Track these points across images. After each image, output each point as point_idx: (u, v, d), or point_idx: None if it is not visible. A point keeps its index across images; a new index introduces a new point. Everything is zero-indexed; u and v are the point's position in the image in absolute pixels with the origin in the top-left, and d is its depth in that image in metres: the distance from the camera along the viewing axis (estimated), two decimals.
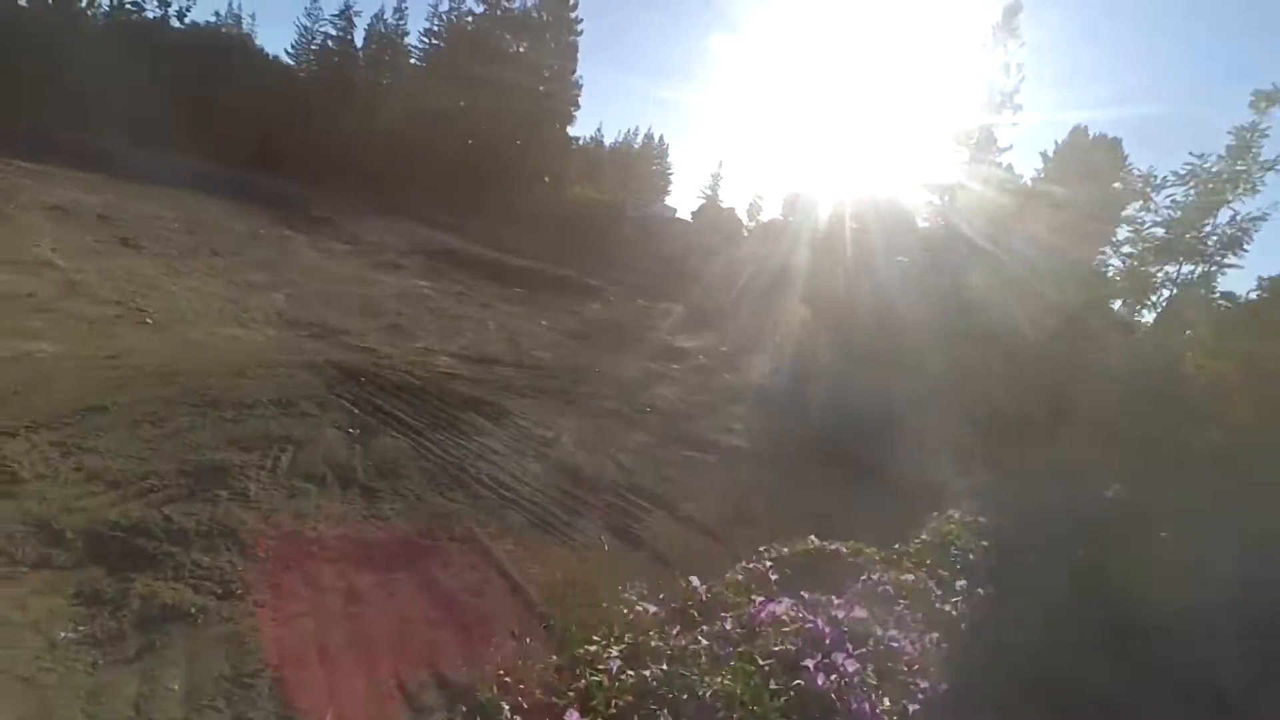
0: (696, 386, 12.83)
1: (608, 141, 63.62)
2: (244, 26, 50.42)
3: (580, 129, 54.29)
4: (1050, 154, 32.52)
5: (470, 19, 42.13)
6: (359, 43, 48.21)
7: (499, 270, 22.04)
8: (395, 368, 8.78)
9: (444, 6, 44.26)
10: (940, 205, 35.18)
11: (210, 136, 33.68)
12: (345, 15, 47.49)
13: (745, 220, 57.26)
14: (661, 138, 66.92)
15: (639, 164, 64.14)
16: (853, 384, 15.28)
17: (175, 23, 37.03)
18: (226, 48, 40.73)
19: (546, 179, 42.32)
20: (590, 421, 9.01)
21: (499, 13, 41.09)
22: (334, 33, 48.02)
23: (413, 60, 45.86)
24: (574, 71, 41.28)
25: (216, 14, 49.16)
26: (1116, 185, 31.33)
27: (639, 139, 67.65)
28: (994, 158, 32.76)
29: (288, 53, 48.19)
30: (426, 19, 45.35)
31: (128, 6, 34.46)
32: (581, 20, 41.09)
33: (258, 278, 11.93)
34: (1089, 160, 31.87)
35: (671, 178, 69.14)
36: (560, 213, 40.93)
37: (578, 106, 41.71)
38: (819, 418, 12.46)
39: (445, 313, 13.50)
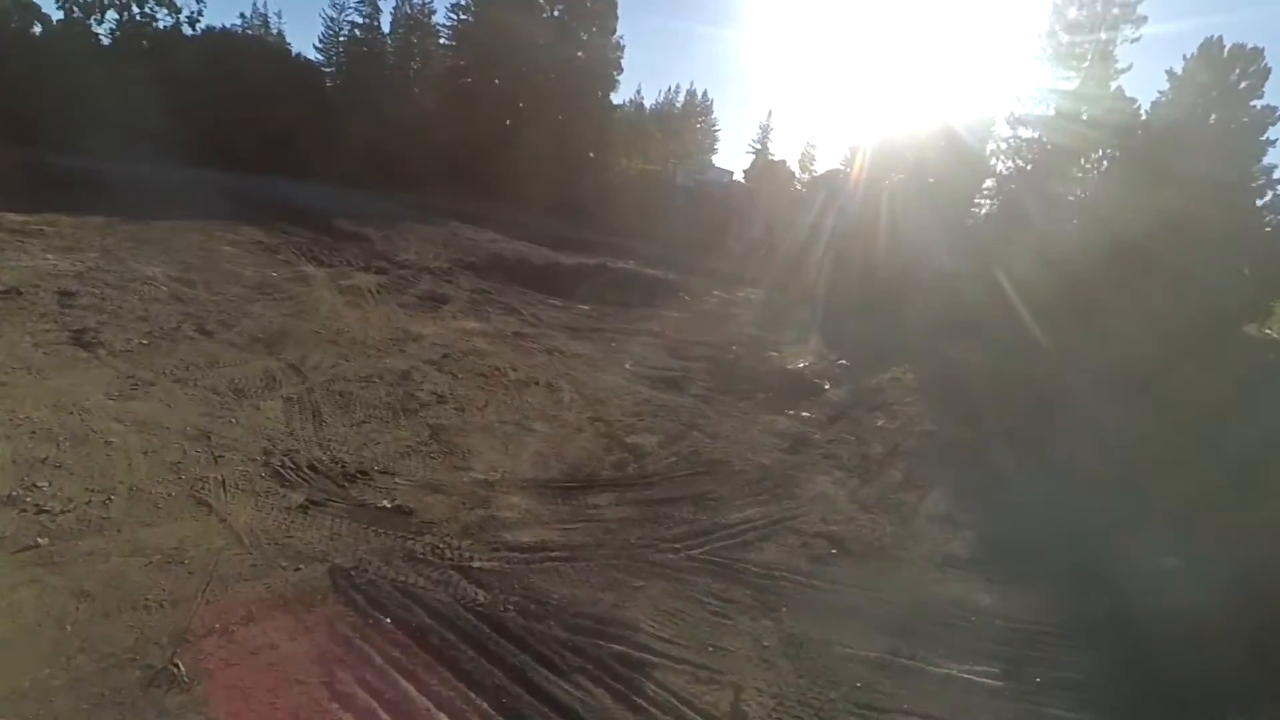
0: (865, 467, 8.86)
1: (648, 103, 58.36)
2: (271, 26, 46.99)
3: (621, 92, 49.37)
4: (1178, 71, 26.48)
5: None
6: (385, 28, 44.14)
7: (553, 278, 18.21)
8: (431, 573, 5.09)
9: None
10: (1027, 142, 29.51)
11: (235, 146, 30.49)
12: (369, 1, 43.35)
13: (798, 173, 51.84)
14: (705, 93, 61.30)
15: (683, 123, 58.80)
16: None
17: (187, 29, 33.48)
18: (246, 51, 37.19)
19: (591, 155, 37.96)
20: None
21: None
22: (360, 20, 44.02)
23: (442, 39, 41.54)
24: (614, 31, 36.36)
25: (242, 15, 45.74)
26: (1259, 103, 25.39)
27: (680, 97, 62.13)
28: (1111, 78, 26.90)
29: (316, 48, 44.55)
30: None
31: (137, 19, 31.02)
32: None
33: (249, 374, 8.36)
34: (1224, 76, 25.78)
35: (718, 134, 63.62)
36: (610, 191, 36.63)
37: (620, 70, 36.92)
38: None
39: (505, 378, 9.78)
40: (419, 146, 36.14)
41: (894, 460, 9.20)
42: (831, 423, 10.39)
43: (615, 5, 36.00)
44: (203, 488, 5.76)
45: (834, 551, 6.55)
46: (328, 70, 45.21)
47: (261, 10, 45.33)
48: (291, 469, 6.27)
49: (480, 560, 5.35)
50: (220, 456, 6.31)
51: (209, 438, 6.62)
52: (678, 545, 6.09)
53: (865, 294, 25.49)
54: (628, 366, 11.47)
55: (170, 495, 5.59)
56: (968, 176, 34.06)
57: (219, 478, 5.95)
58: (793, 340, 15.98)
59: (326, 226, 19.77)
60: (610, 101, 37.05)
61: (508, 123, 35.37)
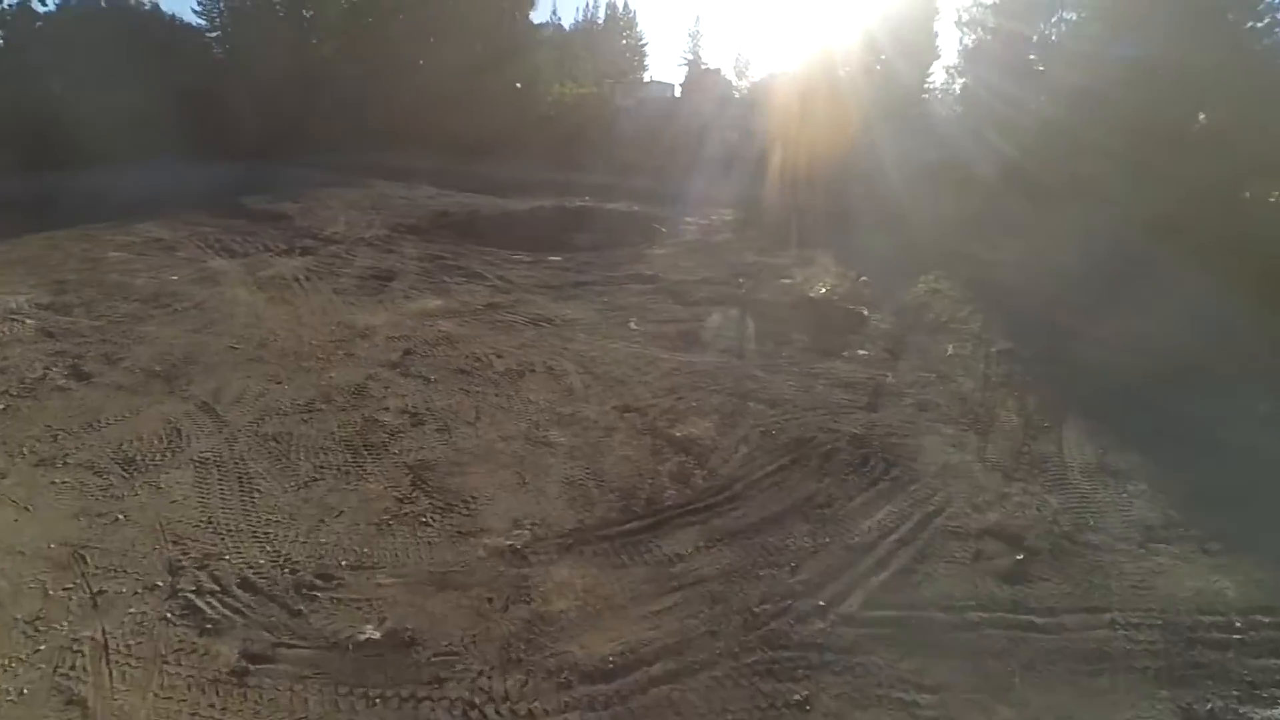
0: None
1: (567, 24, 53.50)
2: None
3: (538, 12, 44.30)
4: None
5: None
6: None
7: (510, 228, 15.54)
8: None
9: None
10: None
11: (108, 134, 26.07)
12: None
13: (735, 80, 48.59)
14: (626, 4, 56.53)
15: (608, 41, 54.27)
16: None
17: (38, 5, 28.05)
18: (111, 22, 31.63)
19: (519, 85, 34.08)
20: None
21: None
22: None
23: None
24: None
25: None
26: None
27: (600, 12, 57.27)
28: None
29: (194, 11, 38.73)
30: None
31: None
32: None
33: (143, 430, 5.85)
34: None
35: (646, 49, 59.15)
36: (544, 123, 33.06)
37: None
38: None
39: (491, 370, 7.41)
40: (323, 103, 31.86)
41: (996, 397, 7.24)
42: (896, 358, 8.35)
43: None
44: (71, 665, 3.41)
45: (1019, 557, 4.57)
46: (212, 35, 39.57)
47: None
48: (214, 594, 3.92)
49: None
50: (101, 592, 3.92)
51: (84, 558, 4.19)
52: (821, 603, 4.02)
53: (847, 200, 23.35)
54: (633, 326, 9.15)
55: (18, 690, 3.24)
56: (916, 57, 31.72)
57: (97, 637, 3.59)
58: (798, 261, 13.79)
59: (235, 208, 16.55)
60: (530, 22, 32.94)
61: (420, 62, 31.14)
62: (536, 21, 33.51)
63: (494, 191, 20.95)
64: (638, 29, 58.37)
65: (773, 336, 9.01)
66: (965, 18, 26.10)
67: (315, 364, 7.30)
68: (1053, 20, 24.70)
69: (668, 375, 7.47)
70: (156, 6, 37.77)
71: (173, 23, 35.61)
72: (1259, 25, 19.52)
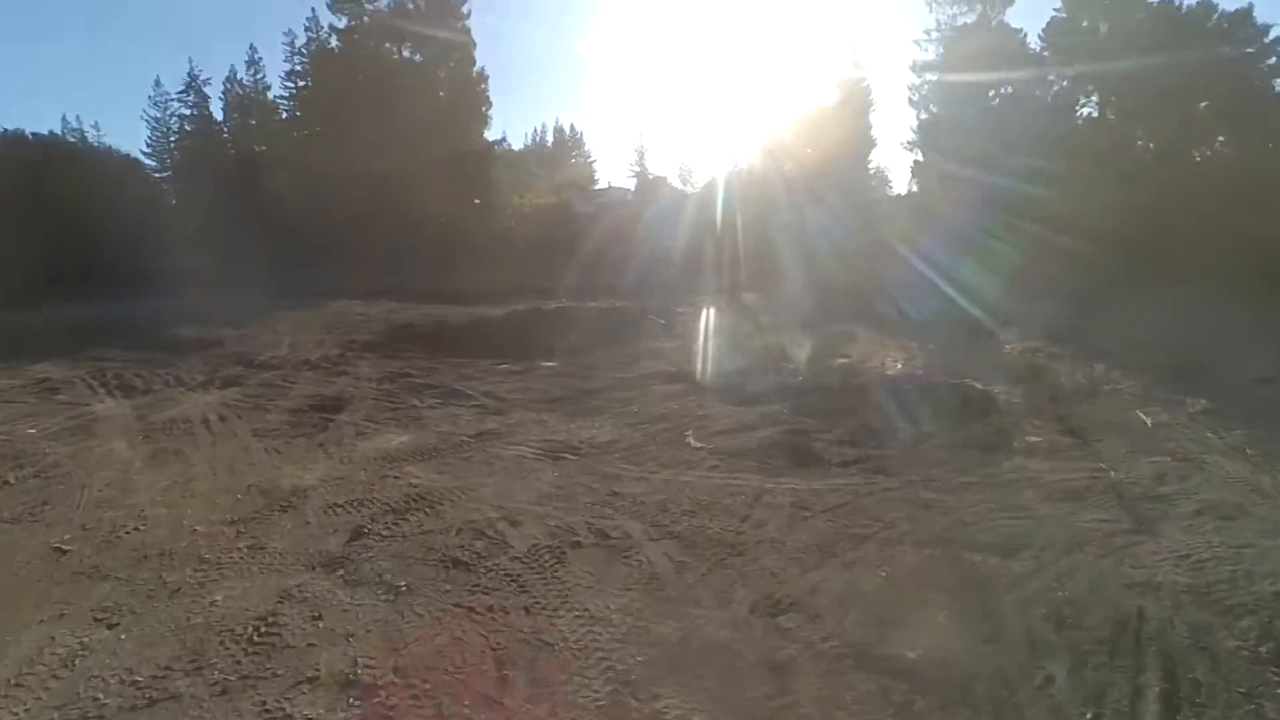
0: None
1: (517, 146, 53.17)
2: (89, 140, 37.59)
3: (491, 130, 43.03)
4: None
5: (334, 35, 31.27)
6: (220, 116, 36.85)
7: (487, 336, 12.66)
8: None
9: (301, 40, 33.21)
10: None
11: (53, 269, 22.73)
12: (193, 87, 36.02)
13: (680, 186, 48.29)
14: (573, 127, 57.07)
15: (559, 160, 54.06)
16: None
17: None
18: (51, 156, 28.79)
19: (477, 201, 32.27)
20: None
21: (366, 20, 30.26)
22: (187, 111, 36.49)
23: (282, 114, 34.74)
24: (474, 62, 31.00)
25: (64, 123, 36.55)
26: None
27: (549, 135, 57.54)
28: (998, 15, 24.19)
29: (144, 153, 36.50)
30: (285, 59, 34.12)
31: None
32: (466, 2, 30.67)
33: None
34: None
35: (595, 165, 59.25)
36: (507, 234, 31.07)
37: (489, 104, 31.50)
38: None
39: (507, 553, 4.14)
40: (274, 230, 29.25)
41: (1185, 431, 4.34)
42: (1087, 443, 5.45)
43: (470, 33, 30.68)
44: None
45: None
46: (162, 175, 37.27)
47: (75, 124, 36.32)
48: None
49: None
50: None
51: None
52: None
53: (827, 278, 21.42)
54: (693, 442, 6.09)
55: None
56: (854, 145, 31.45)
57: None
58: (831, 339, 11.12)
59: (161, 338, 13.24)
60: (486, 140, 31.50)
61: (375, 185, 29.04)
62: (490, 138, 32.02)
63: (461, 302, 18.15)
64: (585, 148, 58.74)
65: (890, 432, 6.03)
66: (915, 97, 25.58)
67: (192, 576, 3.93)
68: (992, 96, 24.26)
69: (794, 520, 4.35)
70: (108, 147, 35.39)
71: (116, 156, 33.09)
72: None
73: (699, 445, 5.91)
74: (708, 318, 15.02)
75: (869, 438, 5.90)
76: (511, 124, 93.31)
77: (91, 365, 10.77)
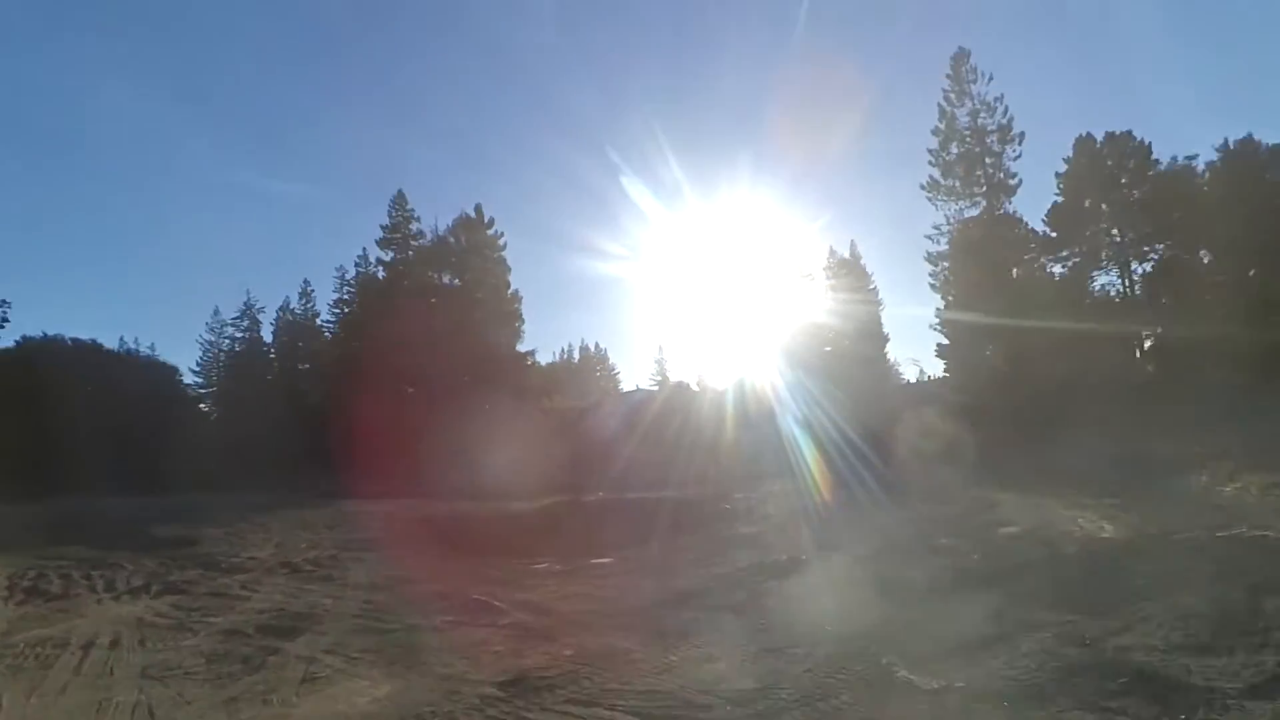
0: None
1: (544, 362, 53.90)
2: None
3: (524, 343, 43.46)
4: (1061, 171, 24.44)
5: (381, 267, 32.58)
6: (269, 339, 37.54)
7: (518, 532, 9.84)
8: None
9: (351, 273, 34.80)
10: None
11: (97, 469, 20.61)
12: (248, 314, 37.14)
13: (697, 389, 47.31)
14: (597, 344, 58.25)
15: (585, 374, 54.30)
16: None
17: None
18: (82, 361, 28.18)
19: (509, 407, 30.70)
20: None
21: (410, 254, 31.68)
22: (239, 334, 37.26)
23: (327, 334, 35.23)
24: (509, 285, 31.65)
25: (121, 341, 36.66)
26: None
27: (575, 353, 58.62)
28: (1005, 200, 24.64)
29: (193, 371, 36.57)
30: (334, 289, 35.42)
31: None
32: (502, 234, 32.32)
33: None
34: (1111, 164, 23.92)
35: (619, 379, 59.41)
36: (538, 437, 29.13)
37: (521, 320, 31.59)
38: None
39: None
40: (310, 440, 27.57)
41: None
42: None
43: (504, 261, 31.85)
44: None
45: None
46: (207, 390, 37.04)
47: (132, 346, 36.78)
48: None
49: None
50: None
51: None
52: None
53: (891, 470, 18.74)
54: (911, 678, 3.06)
55: None
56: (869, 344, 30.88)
57: None
58: (978, 505, 8.21)
59: (134, 536, 10.57)
60: (519, 350, 31.04)
61: (410, 390, 27.98)
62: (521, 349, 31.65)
63: (489, 499, 15.49)
64: (609, 363, 59.39)
65: (1172, 626, 3.02)
66: (936, 283, 24.97)
67: None
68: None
69: None
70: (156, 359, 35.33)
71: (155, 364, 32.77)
72: None
73: (928, 684, 2.94)
74: (774, 502, 12.12)
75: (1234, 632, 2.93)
76: (540, 341, 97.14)
77: (33, 561, 8.05)
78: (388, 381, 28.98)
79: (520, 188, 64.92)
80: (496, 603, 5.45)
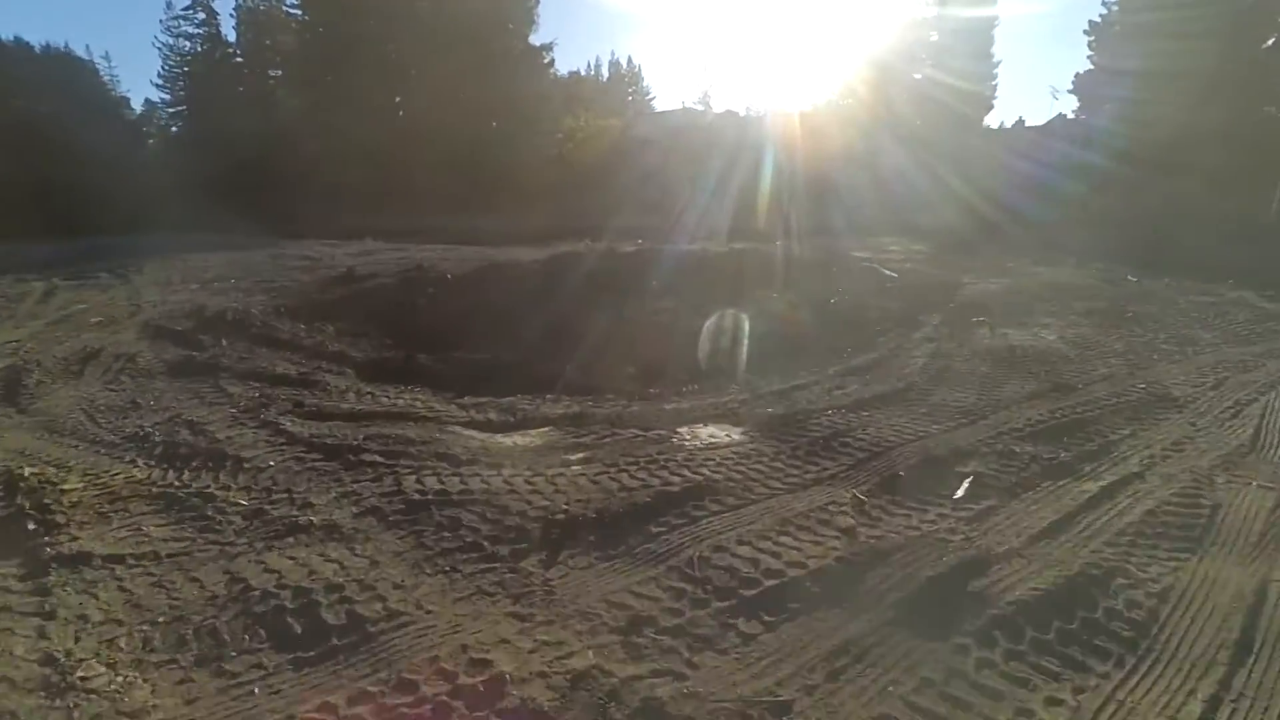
0: None
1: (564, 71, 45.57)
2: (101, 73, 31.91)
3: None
4: None
5: None
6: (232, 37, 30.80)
7: (517, 308, 6.10)
8: None
9: None
10: None
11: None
12: (200, 3, 29.90)
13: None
14: (630, 59, 48.82)
15: (614, 94, 46.15)
16: None
17: None
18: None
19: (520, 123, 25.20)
20: None
21: None
22: (194, 31, 30.48)
23: (295, 26, 28.33)
24: None
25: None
26: None
27: (604, 69, 49.45)
28: None
29: (155, 84, 30.92)
30: None
31: None
32: None
33: None
34: None
35: (653, 103, 50.86)
36: (552, 165, 24.25)
37: (536, 1, 24.14)
38: None
39: None
40: (291, 162, 23.39)
41: None
42: None
43: None
44: None
45: None
46: (174, 110, 31.78)
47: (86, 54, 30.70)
48: None
49: None
50: None
51: None
52: None
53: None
54: None
55: None
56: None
57: None
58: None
59: None
60: (532, 45, 24.28)
61: (396, 99, 22.55)
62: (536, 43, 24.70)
63: (487, 243, 11.74)
64: (644, 83, 50.19)
65: None
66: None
67: None
68: None
69: None
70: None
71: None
72: None
73: None
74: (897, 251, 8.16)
75: None
76: (563, 57, 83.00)
77: None
78: (365, 89, 23.39)
79: None
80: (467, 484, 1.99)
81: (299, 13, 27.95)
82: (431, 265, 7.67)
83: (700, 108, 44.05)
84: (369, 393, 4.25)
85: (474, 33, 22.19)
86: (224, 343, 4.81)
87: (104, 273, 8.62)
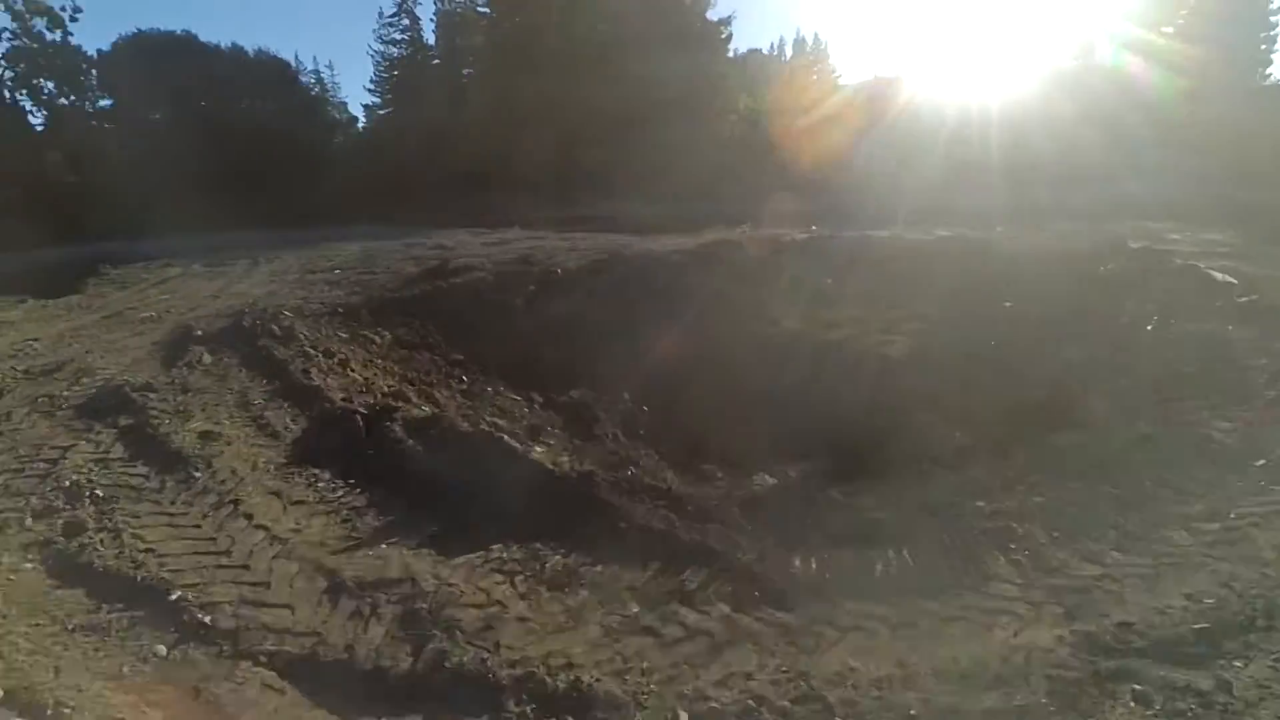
0: None
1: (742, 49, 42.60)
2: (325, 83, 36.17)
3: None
4: None
5: None
6: (431, 41, 32.86)
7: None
8: None
9: None
10: None
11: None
12: (404, 10, 32.19)
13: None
14: (816, 36, 44.53)
15: (797, 75, 42.36)
16: None
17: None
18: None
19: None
20: None
21: None
22: (399, 37, 33.00)
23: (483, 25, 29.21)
24: None
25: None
26: None
27: (788, 48, 45.69)
28: None
29: (368, 89, 34.15)
30: None
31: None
32: None
33: None
34: None
35: (839, 82, 45.92)
36: (730, 146, 22.00)
37: None
38: None
39: None
40: (479, 157, 23.90)
41: None
42: None
43: None
44: None
45: None
46: (384, 113, 34.78)
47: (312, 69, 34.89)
48: None
49: None
50: None
51: None
52: None
53: None
54: None
55: None
56: None
57: None
58: None
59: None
60: (710, 20, 22.29)
61: (574, 89, 21.84)
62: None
63: (635, 231, 9.97)
64: (829, 62, 45.46)
65: None
66: None
67: None
68: None
69: None
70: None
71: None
72: None
73: None
74: None
75: None
76: (742, 34, 77.84)
77: None
78: (547, 76, 23.03)
79: None
80: None
81: (488, 10, 28.82)
82: (546, 257, 6.06)
83: (894, 76, 38.74)
84: None
85: (653, 8, 20.75)
86: (206, 359, 3.54)
87: (243, 259, 8.39)
